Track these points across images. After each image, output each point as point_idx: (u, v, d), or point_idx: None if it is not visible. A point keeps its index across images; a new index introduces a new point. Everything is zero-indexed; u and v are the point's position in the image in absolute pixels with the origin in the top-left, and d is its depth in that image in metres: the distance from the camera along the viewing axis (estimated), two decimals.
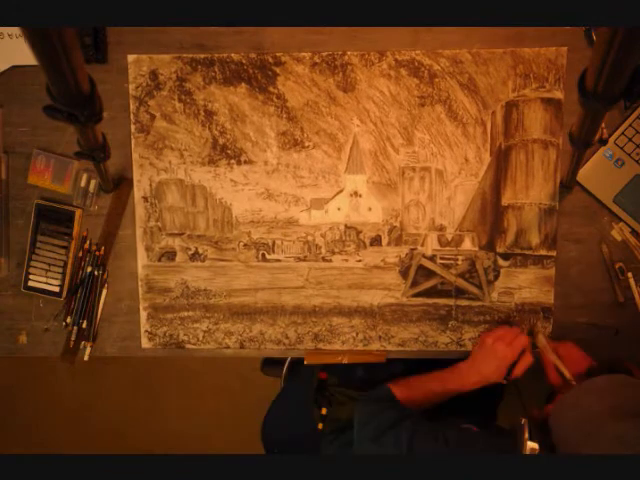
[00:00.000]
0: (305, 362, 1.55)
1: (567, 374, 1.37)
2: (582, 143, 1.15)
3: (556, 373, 1.40)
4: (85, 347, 1.55)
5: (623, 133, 1.43)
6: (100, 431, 2.75)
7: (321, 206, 1.51)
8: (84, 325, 1.54)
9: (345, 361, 1.54)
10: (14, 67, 1.47)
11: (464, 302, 1.52)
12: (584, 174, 1.44)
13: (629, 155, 1.43)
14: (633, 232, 1.45)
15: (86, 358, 1.56)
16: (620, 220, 1.45)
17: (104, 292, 1.54)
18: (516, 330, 1.44)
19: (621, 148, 1.43)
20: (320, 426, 1.60)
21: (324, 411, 1.62)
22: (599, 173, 1.45)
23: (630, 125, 1.42)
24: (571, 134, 1.16)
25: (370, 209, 1.50)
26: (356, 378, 1.61)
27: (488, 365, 1.41)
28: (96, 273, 1.53)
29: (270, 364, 2.28)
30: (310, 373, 1.71)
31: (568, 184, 1.43)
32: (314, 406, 1.65)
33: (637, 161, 1.43)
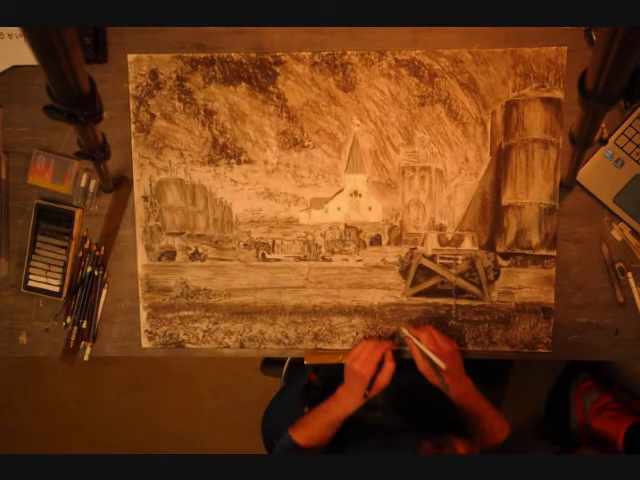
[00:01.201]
0: (305, 362, 1.55)
1: (438, 362, 1.39)
2: (582, 143, 1.15)
3: (424, 361, 1.43)
4: (85, 347, 1.55)
5: (623, 133, 1.43)
6: (100, 431, 2.75)
7: (321, 206, 1.51)
8: (84, 325, 1.54)
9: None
10: (14, 67, 1.47)
11: (464, 302, 1.52)
12: (584, 174, 1.44)
13: (629, 155, 1.43)
14: (633, 232, 1.45)
15: (86, 358, 1.56)
16: (620, 220, 1.45)
17: (104, 292, 1.54)
18: (370, 345, 1.46)
19: (621, 148, 1.43)
20: None
21: (305, 410, 1.63)
22: (599, 173, 1.45)
23: (630, 125, 1.42)
24: (571, 134, 1.16)
25: (370, 209, 1.50)
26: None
27: (354, 385, 1.45)
28: (96, 273, 1.53)
29: (270, 364, 2.29)
30: (303, 373, 1.73)
31: (568, 184, 1.43)
32: (301, 405, 1.66)
33: (637, 161, 1.43)
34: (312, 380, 1.70)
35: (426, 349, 1.41)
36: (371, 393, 1.44)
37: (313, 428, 1.48)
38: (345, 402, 1.46)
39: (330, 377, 1.61)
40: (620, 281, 1.47)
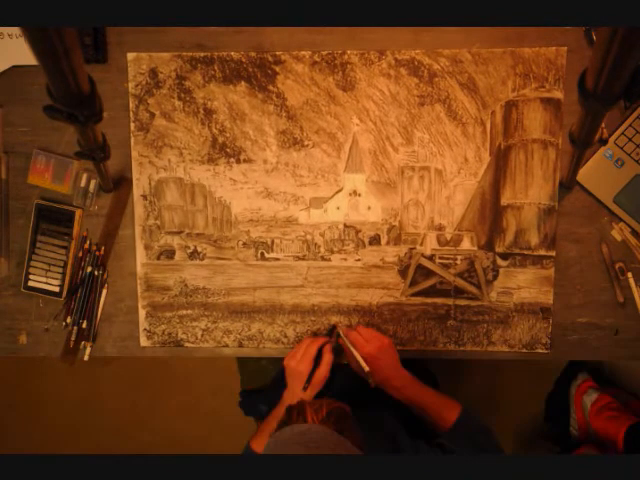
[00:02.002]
0: None
1: (362, 364, 1.42)
2: (582, 143, 1.15)
3: (354, 361, 1.45)
4: (85, 347, 1.55)
5: (623, 133, 1.43)
6: (100, 431, 2.75)
7: (320, 205, 1.51)
8: (84, 325, 1.54)
9: (345, 361, 1.54)
10: (14, 67, 1.47)
11: (463, 302, 1.52)
12: (584, 174, 1.44)
13: (629, 155, 1.43)
14: (633, 232, 1.45)
15: (86, 358, 1.56)
16: (620, 220, 1.46)
17: (104, 292, 1.54)
18: (305, 342, 1.48)
19: (621, 148, 1.43)
20: None
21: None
22: (599, 173, 1.45)
23: (630, 125, 1.42)
24: (571, 134, 1.16)
25: (369, 208, 1.50)
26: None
27: (295, 384, 1.46)
28: (96, 273, 1.53)
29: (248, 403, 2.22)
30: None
31: (568, 184, 1.43)
32: None
33: (637, 161, 1.43)
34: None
35: (354, 350, 1.44)
36: (313, 387, 1.45)
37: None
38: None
39: (344, 385, 1.60)
40: (620, 281, 1.47)
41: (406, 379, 1.45)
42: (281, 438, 1.06)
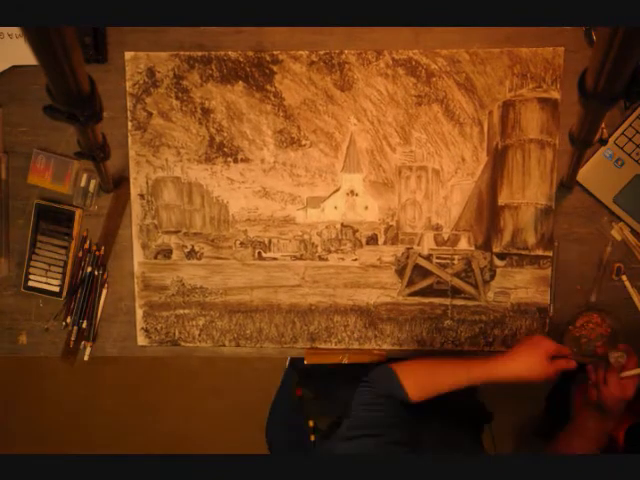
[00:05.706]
0: (305, 362, 1.55)
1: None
2: (582, 143, 1.15)
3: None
4: (85, 347, 1.55)
5: (623, 133, 1.43)
6: (100, 431, 2.76)
7: (317, 205, 1.51)
8: (84, 325, 1.54)
9: (346, 361, 1.54)
10: (14, 67, 1.47)
11: (460, 302, 1.52)
12: (584, 174, 1.44)
13: (629, 155, 1.43)
14: (633, 232, 1.45)
15: (86, 358, 1.56)
16: (620, 220, 1.46)
17: (104, 292, 1.54)
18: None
19: (621, 148, 1.43)
20: (312, 438, 1.55)
21: (311, 423, 1.56)
22: (599, 173, 1.45)
23: (630, 125, 1.42)
24: (571, 134, 1.16)
25: (366, 208, 1.50)
26: (335, 396, 1.54)
27: (533, 356, 1.30)
28: (96, 273, 1.53)
29: None
30: (288, 387, 1.72)
31: (568, 184, 1.43)
32: (303, 419, 1.60)
33: (637, 161, 1.44)
34: (300, 395, 1.63)
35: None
36: (555, 365, 1.31)
37: (434, 383, 1.37)
38: (500, 368, 1.32)
39: (322, 385, 1.58)
40: (601, 284, 1.48)
41: None
42: None
